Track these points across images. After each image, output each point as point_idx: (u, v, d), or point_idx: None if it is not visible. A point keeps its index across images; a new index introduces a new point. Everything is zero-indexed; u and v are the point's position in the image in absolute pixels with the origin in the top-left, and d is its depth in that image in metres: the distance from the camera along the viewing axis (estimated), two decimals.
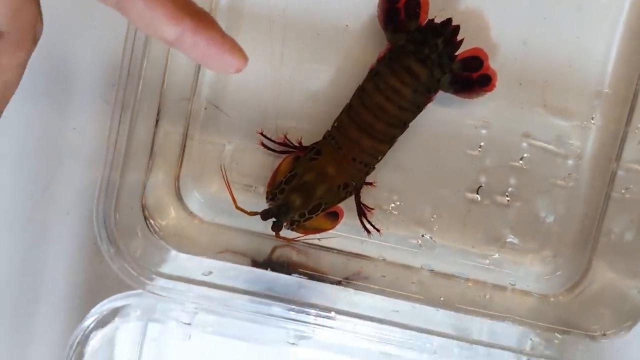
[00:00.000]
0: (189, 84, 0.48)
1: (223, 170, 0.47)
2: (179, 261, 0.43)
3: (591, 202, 0.48)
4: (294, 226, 0.47)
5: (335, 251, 0.49)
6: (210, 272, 0.41)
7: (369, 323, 0.42)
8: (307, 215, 0.47)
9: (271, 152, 0.48)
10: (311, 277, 0.43)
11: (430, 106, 0.46)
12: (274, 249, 0.48)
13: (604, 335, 0.43)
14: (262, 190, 0.48)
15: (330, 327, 0.41)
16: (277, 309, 0.41)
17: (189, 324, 0.40)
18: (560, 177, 0.49)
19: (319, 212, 0.47)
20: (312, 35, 0.48)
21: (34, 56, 0.30)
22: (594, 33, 0.48)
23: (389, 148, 0.47)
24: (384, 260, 0.50)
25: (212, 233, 0.48)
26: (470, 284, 0.49)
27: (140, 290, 0.39)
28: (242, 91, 0.49)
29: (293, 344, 0.43)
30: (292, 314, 0.41)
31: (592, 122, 0.48)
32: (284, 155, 0.48)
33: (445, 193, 0.49)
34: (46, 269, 0.49)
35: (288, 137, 0.48)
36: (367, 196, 0.49)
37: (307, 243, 0.49)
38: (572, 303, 0.48)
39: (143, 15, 0.27)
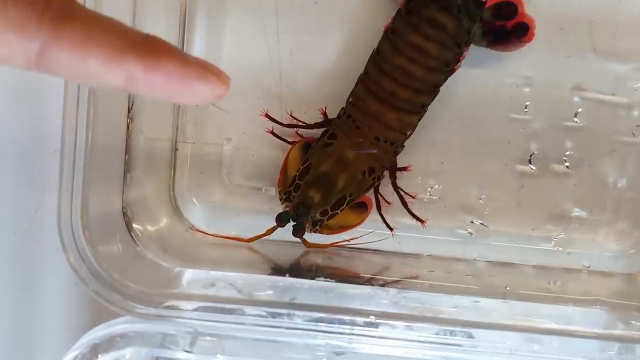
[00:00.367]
0: None
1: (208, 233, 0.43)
2: (175, 278, 0.37)
3: None
4: (317, 227, 0.41)
5: (369, 251, 0.44)
6: (213, 285, 0.35)
7: (422, 325, 0.35)
8: (330, 212, 0.41)
9: (282, 143, 0.43)
10: (342, 281, 0.36)
11: (461, 68, 0.41)
12: (299, 256, 0.43)
13: None
14: (274, 191, 0.44)
15: (372, 336, 0.34)
16: (301, 320, 0.34)
17: (190, 351, 0.33)
18: (626, 132, 0.44)
19: (344, 207, 0.41)
20: (308, 3, 0.43)
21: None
22: None
23: (419, 120, 0.41)
24: (429, 256, 0.44)
25: (217, 247, 0.43)
26: (536, 272, 0.44)
27: (128, 317, 0.33)
28: (237, 80, 0.41)
29: None
30: (322, 325, 0.34)
31: None
32: (289, 147, 0.43)
33: (492, 169, 0.44)
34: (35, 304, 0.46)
35: (295, 114, 0.43)
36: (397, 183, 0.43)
37: (336, 246, 0.43)
38: None
39: (74, 69, 0.22)
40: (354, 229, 0.43)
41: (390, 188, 0.43)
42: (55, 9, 0.22)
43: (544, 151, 0.43)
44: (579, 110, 0.43)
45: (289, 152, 0.42)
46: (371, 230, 0.43)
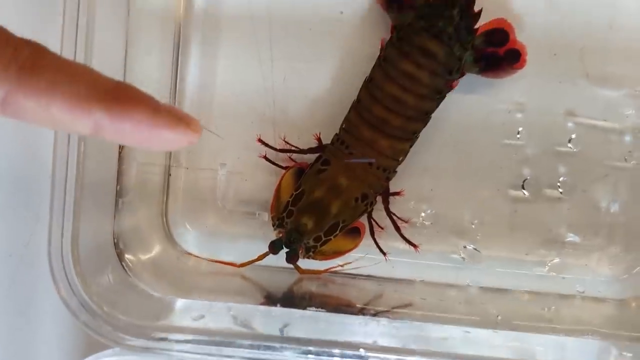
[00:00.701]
0: (165, 101, 0.42)
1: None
2: (167, 308, 0.36)
3: None
4: (311, 253, 0.41)
5: (362, 277, 0.44)
6: (202, 316, 0.35)
7: (412, 359, 0.35)
8: (323, 239, 0.41)
9: (275, 168, 0.43)
10: (334, 310, 0.36)
11: (453, 93, 0.41)
12: (292, 284, 0.43)
13: None
14: (268, 216, 0.44)
15: None
16: (290, 353, 0.34)
17: None
18: (618, 157, 0.44)
19: (338, 233, 0.41)
20: (302, 29, 0.43)
21: None
22: None
23: (411, 146, 0.41)
24: (422, 282, 0.44)
25: (209, 275, 0.43)
26: (529, 297, 0.44)
27: (117, 348, 0.32)
28: (231, 105, 0.44)
29: None
30: (312, 358, 0.34)
31: None
32: (282, 172, 0.43)
33: (484, 194, 0.44)
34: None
35: (288, 140, 0.43)
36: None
37: (330, 272, 0.43)
38: None
39: (39, 116, 0.22)
40: (347, 255, 0.42)
41: (384, 213, 0.42)
42: (22, 58, 0.22)
43: (537, 176, 0.43)
44: (572, 135, 0.43)
45: (282, 178, 0.42)
46: (364, 255, 0.43)
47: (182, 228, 0.44)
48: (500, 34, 0.40)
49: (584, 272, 0.44)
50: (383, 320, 0.36)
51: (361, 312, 0.38)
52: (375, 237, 0.42)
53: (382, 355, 0.34)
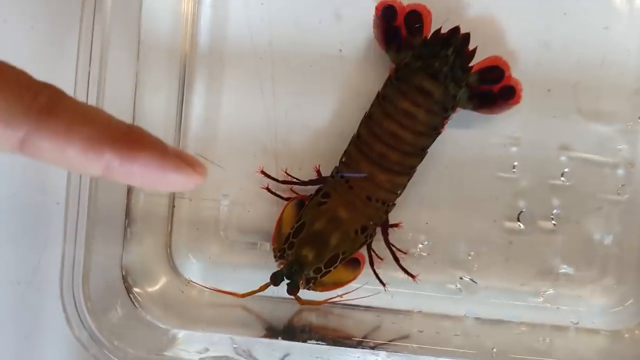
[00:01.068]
0: (171, 136, 0.44)
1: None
2: (172, 339, 0.37)
3: None
4: (311, 284, 0.42)
5: (361, 308, 0.44)
6: (207, 349, 0.35)
7: None
8: (323, 270, 0.42)
9: (277, 199, 0.44)
10: (334, 343, 0.37)
11: (449, 128, 0.42)
12: (292, 315, 0.43)
13: None
14: (269, 247, 0.44)
15: None
16: None
17: None
18: (611, 191, 0.44)
19: (337, 264, 0.42)
20: (304, 66, 0.45)
21: None
22: (625, 21, 0.44)
23: (408, 180, 0.42)
24: (420, 312, 0.45)
25: (213, 306, 0.43)
26: (524, 329, 0.44)
27: None
28: (234, 138, 0.45)
29: None
30: None
31: None
32: (284, 203, 0.43)
33: (481, 225, 0.45)
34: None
35: (289, 171, 0.44)
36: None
37: (329, 303, 0.43)
38: None
39: (54, 157, 0.23)
40: (347, 285, 0.43)
41: (383, 244, 0.43)
42: (41, 102, 0.23)
43: (531, 209, 0.44)
44: (566, 170, 0.44)
45: (283, 210, 0.43)
46: (362, 285, 0.43)
47: (186, 258, 0.45)
48: (495, 72, 0.41)
49: (578, 303, 0.44)
50: (381, 354, 0.37)
51: (360, 344, 0.38)
52: (375, 267, 0.43)
53: None
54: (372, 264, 0.43)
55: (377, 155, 0.40)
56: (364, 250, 0.43)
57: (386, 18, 0.42)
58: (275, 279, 0.41)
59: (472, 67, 0.41)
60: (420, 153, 0.41)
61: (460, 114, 0.42)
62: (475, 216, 0.44)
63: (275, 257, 0.42)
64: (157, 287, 0.43)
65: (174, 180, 0.24)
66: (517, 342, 0.42)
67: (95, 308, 0.34)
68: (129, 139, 0.24)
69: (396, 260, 0.43)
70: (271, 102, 0.45)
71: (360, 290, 0.43)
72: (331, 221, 0.41)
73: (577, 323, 0.44)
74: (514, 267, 0.44)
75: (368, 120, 0.41)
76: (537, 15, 0.44)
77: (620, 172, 0.44)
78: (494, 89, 0.42)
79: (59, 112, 0.23)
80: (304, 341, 0.37)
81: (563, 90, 0.44)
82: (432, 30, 0.41)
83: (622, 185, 0.44)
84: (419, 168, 0.42)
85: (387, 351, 0.37)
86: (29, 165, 0.45)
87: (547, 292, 0.44)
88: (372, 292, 0.44)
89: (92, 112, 0.24)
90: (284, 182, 0.44)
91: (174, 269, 0.44)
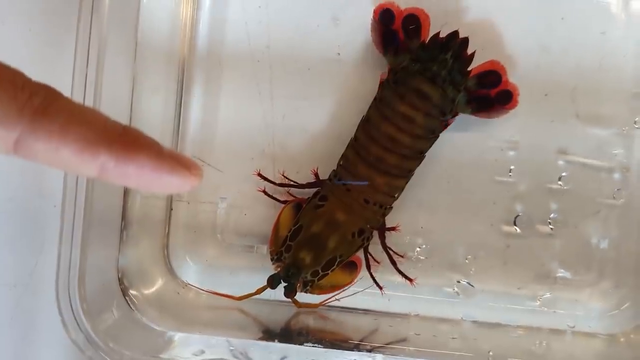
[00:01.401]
0: (168, 139, 0.44)
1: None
2: (168, 342, 0.37)
3: None
4: (308, 287, 0.42)
5: (359, 311, 0.44)
6: (203, 352, 0.35)
7: None
8: (321, 273, 0.41)
9: (274, 202, 0.44)
10: (331, 346, 0.37)
11: (447, 132, 0.42)
12: (289, 318, 0.43)
13: None
14: (266, 249, 0.44)
15: None
16: None
17: None
18: (608, 195, 0.44)
19: (335, 267, 0.42)
20: (301, 69, 0.45)
21: None
22: (622, 26, 0.44)
23: (406, 183, 0.42)
24: (417, 316, 0.44)
25: (209, 309, 0.43)
26: (521, 332, 0.44)
27: None
28: (232, 141, 0.45)
29: None
30: None
31: (636, 125, 0.44)
32: (281, 206, 0.43)
33: (478, 229, 0.45)
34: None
35: (287, 174, 0.44)
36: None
37: (325, 306, 0.43)
38: None
39: (49, 158, 0.23)
40: (344, 289, 0.43)
41: (380, 247, 0.43)
42: (36, 102, 0.22)
43: (529, 213, 0.44)
44: (563, 174, 0.44)
45: (280, 213, 0.43)
46: (361, 289, 0.43)
47: (183, 261, 0.45)
48: (492, 76, 0.41)
49: (575, 307, 0.44)
50: (378, 357, 0.37)
51: (357, 347, 0.39)
52: (372, 271, 0.43)
53: None
54: (369, 267, 0.43)
55: (374, 159, 0.40)
56: (361, 254, 0.43)
57: (384, 22, 0.42)
58: (273, 282, 0.41)
59: (470, 71, 0.41)
60: (418, 156, 0.41)
61: (459, 118, 0.42)
62: (472, 220, 0.44)
63: (272, 260, 0.42)
64: (153, 290, 0.43)
65: (169, 182, 0.24)
66: (514, 346, 0.42)
67: (91, 310, 0.34)
68: (125, 140, 0.23)
69: (393, 263, 0.43)
70: (269, 105, 0.45)
71: (356, 291, 0.43)
72: (329, 224, 0.41)
73: (574, 327, 0.44)
74: (511, 271, 0.44)
75: (366, 123, 0.41)
76: (535, 20, 0.44)
77: (616, 176, 0.44)
78: (491, 93, 0.42)
79: (54, 112, 0.23)
80: (301, 344, 0.37)
81: (561, 95, 0.44)
82: (430, 34, 0.42)
83: (618, 190, 0.44)
84: (417, 171, 0.42)
85: (384, 354, 0.37)
86: (26, 168, 0.45)
87: (544, 296, 0.44)
88: (369, 295, 0.43)
89: (88, 113, 0.24)
90: (281, 184, 0.44)
91: (170, 272, 0.44)
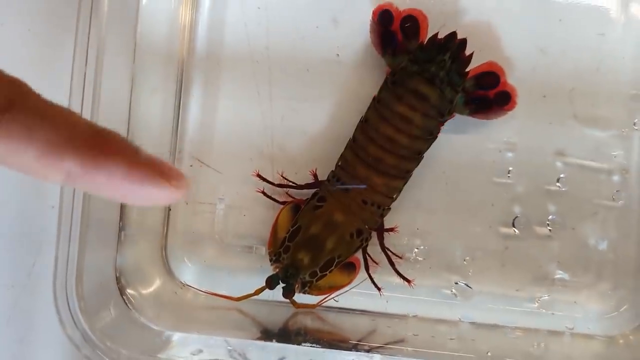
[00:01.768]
0: (167, 140, 0.44)
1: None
2: (166, 341, 0.37)
3: None
4: (306, 288, 0.42)
5: (357, 312, 0.44)
6: (201, 351, 0.35)
7: None
8: (319, 274, 0.41)
9: (273, 203, 0.44)
10: (329, 346, 0.37)
11: (445, 133, 0.42)
12: (287, 318, 0.43)
13: None
14: (264, 250, 0.44)
15: None
16: None
17: None
18: (607, 196, 0.44)
19: (333, 268, 0.42)
20: (300, 71, 0.45)
21: None
22: (620, 28, 0.44)
23: (404, 184, 0.42)
24: (415, 317, 0.44)
25: (207, 309, 0.43)
26: (519, 333, 0.44)
27: None
28: (231, 142, 0.45)
29: None
30: None
31: (635, 127, 0.44)
32: (279, 206, 0.43)
33: (476, 230, 0.44)
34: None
35: (285, 175, 0.44)
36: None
37: (324, 307, 0.43)
38: None
39: (10, 162, 0.21)
40: (342, 290, 0.43)
41: (378, 248, 0.43)
42: None
43: (527, 214, 0.44)
44: (562, 175, 0.44)
45: (279, 214, 0.43)
46: (358, 290, 0.43)
47: (181, 262, 0.45)
48: (490, 77, 0.42)
49: (573, 309, 0.44)
50: (376, 357, 0.37)
51: (355, 348, 0.39)
52: (370, 272, 0.43)
53: None
54: (367, 268, 0.43)
55: (373, 159, 0.40)
56: (359, 255, 0.43)
57: (383, 23, 0.42)
58: (271, 283, 0.41)
59: (468, 72, 0.41)
60: (416, 157, 0.41)
61: (457, 119, 0.42)
62: (470, 221, 0.44)
63: (270, 260, 0.42)
64: (151, 289, 0.43)
65: (145, 194, 0.21)
66: (513, 347, 0.42)
67: (89, 308, 0.34)
68: (95, 144, 0.21)
69: (392, 264, 0.43)
70: (268, 107, 0.45)
71: (355, 292, 0.43)
72: (327, 225, 0.41)
73: (573, 328, 0.44)
74: (510, 273, 0.44)
75: (364, 124, 0.41)
76: (533, 22, 0.44)
77: (615, 177, 0.44)
78: (489, 94, 0.42)
79: (16, 111, 0.20)
80: (299, 344, 0.37)
81: (559, 96, 0.44)
82: (429, 35, 0.42)
83: (617, 191, 0.44)
84: (415, 172, 0.42)
85: (382, 354, 0.37)
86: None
87: (543, 298, 0.44)
88: (367, 296, 0.43)
89: (57, 113, 0.21)
90: (279, 185, 0.44)
91: (169, 272, 0.44)
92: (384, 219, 0.43)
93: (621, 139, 0.44)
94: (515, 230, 0.44)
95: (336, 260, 0.41)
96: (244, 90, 0.44)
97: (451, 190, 0.44)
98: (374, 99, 0.42)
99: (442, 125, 0.41)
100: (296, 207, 0.43)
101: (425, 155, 0.42)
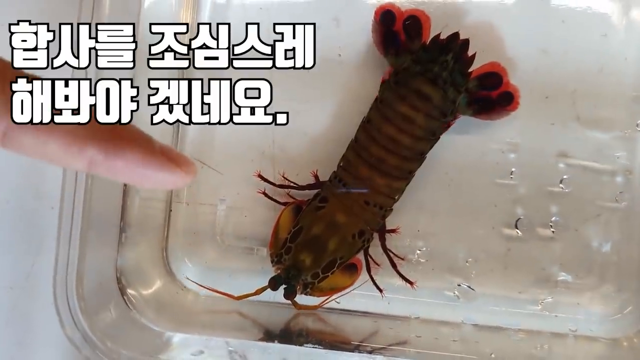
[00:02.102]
0: (168, 141, 0.44)
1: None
2: (167, 342, 0.37)
3: None
4: (308, 289, 0.42)
5: (359, 314, 0.44)
6: (202, 352, 0.35)
7: None
8: (321, 275, 0.41)
9: (274, 204, 0.44)
10: (331, 347, 0.36)
11: (447, 134, 0.42)
12: (289, 319, 0.43)
13: None
14: (266, 252, 0.44)
15: None
16: None
17: None
18: (610, 198, 0.44)
19: (335, 269, 0.41)
20: (301, 71, 0.42)
21: None
22: (623, 29, 0.44)
23: (406, 185, 0.42)
24: (417, 318, 0.44)
25: (208, 310, 0.43)
26: (522, 335, 0.43)
27: None
28: (232, 143, 0.45)
29: None
30: None
31: (638, 128, 0.44)
32: (281, 207, 0.43)
33: (479, 232, 0.44)
34: None
35: (287, 176, 0.44)
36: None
37: (325, 308, 0.43)
38: None
39: (37, 150, 0.23)
40: (344, 291, 0.43)
41: (380, 250, 0.43)
42: None
43: (530, 216, 0.44)
44: (564, 177, 0.44)
45: (280, 215, 0.42)
46: (360, 292, 0.43)
47: (182, 263, 0.45)
48: (493, 78, 0.41)
49: (577, 311, 0.44)
50: (378, 358, 0.36)
51: (357, 349, 0.38)
52: (372, 273, 0.43)
53: None
54: (369, 270, 0.43)
55: (375, 160, 0.40)
56: (361, 256, 0.43)
57: (385, 23, 0.42)
58: (275, 284, 0.40)
59: (471, 72, 0.41)
60: (418, 158, 0.41)
61: (459, 120, 0.42)
62: (473, 223, 0.44)
63: (272, 262, 0.42)
64: (151, 290, 0.42)
65: (159, 179, 0.23)
66: (516, 349, 0.42)
67: (89, 308, 0.34)
68: (114, 134, 0.23)
69: (394, 266, 0.43)
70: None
71: (357, 294, 0.43)
72: (329, 226, 0.41)
73: (576, 331, 0.44)
74: (512, 275, 0.44)
75: (366, 124, 0.41)
76: (536, 23, 0.44)
77: (618, 179, 0.44)
78: (492, 95, 0.42)
79: None
80: (300, 345, 0.36)
81: (561, 97, 0.44)
82: (431, 35, 0.42)
83: (620, 193, 0.44)
84: (418, 174, 0.42)
85: (384, 356, 0.37)
86: (23, 170, 0.45)
87: (546, 300, 0.44)
88: (369, 297, 0.43)
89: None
90: (281, 186, 0.44)
91: (169, 273, 0.44)
92: (386, 220, 0.43)
93: (624, 141, 0.44)
94: (518, 231, 0.44)
95: (338, 262, 0.41)
96: None
97: (454, 191, 0.44)
98: (376, 99, 0.41)
99: (448, 127, 0.41)
100: (298, 208, 0.43)
101: (428, 156, 0.41)
